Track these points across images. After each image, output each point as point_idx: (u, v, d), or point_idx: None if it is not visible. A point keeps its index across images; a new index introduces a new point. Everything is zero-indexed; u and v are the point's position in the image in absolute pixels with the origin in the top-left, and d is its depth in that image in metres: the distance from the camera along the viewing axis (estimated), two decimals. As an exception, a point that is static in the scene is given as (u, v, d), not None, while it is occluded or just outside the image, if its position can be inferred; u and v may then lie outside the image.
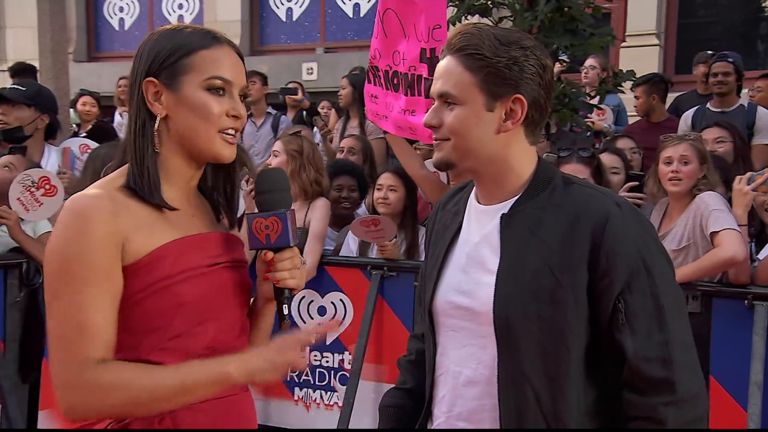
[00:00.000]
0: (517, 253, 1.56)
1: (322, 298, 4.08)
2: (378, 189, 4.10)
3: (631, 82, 5.41)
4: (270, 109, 6.79)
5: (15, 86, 4.49)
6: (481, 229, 1.64)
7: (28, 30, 9.62)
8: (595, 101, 5.33)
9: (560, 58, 5.33)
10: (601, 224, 1.50)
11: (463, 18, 4.92)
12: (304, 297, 4.06)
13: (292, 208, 1.63)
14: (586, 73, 5.90)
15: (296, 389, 4.18)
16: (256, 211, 1.63)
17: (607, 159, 4.01)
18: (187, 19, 11.48)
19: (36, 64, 6.63)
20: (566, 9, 4.65)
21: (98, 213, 1.46)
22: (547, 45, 4.79)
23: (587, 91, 5.32)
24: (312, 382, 4.14)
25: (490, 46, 1.54)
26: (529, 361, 1.54)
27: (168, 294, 1.48)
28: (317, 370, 4.13)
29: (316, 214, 4.00)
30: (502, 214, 1.60)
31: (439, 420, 1.70)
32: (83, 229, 1.45)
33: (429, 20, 3.45)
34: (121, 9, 11.88)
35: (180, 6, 11.58)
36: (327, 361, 4.09)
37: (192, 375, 1.46)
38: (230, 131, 1.57)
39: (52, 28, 6.26)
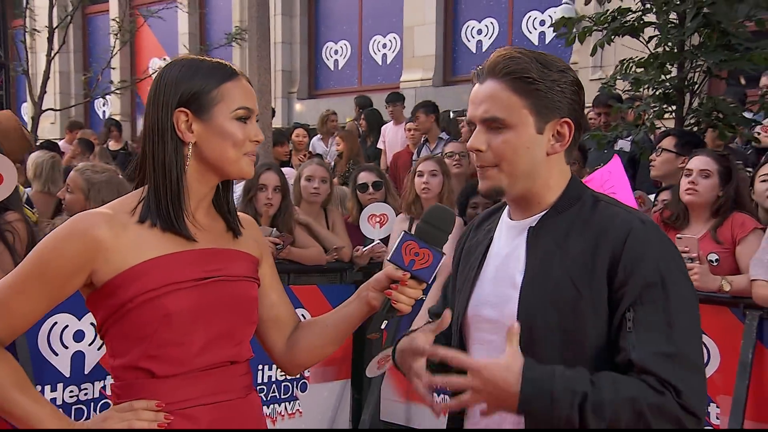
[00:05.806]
0: (542, 265, 1.57)
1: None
2: None
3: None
4: (443, 135, 7.26)
5: None
6: (509, 242, 1.67)
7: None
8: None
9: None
10: (623, 238, 1.50)
11: (612, 39, 4.93)
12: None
13: (445, 253, 1.68)
14: (762, 94, 5.47)
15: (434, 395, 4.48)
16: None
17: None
18: (390, 57, 12.40)
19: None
20: (717, 24, 4.47)
21: (85, 229, 1.56)
22: (699, 62, 4.67)
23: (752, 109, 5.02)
24: (449, 391, 4.40)
25: (537, 69, 1.56)
26: None
27: (153, 306, 1.57)
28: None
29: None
30: (530, 227, 1.62)
31: None
32: (64, 237, 1.57)
33: None
34: (336, 52, 13.09)
35: (384, 45, 12.51)
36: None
37: (11, 401, 1.53)
38: (252, 153, 1.71)
39: (259, 72, 7.33)
